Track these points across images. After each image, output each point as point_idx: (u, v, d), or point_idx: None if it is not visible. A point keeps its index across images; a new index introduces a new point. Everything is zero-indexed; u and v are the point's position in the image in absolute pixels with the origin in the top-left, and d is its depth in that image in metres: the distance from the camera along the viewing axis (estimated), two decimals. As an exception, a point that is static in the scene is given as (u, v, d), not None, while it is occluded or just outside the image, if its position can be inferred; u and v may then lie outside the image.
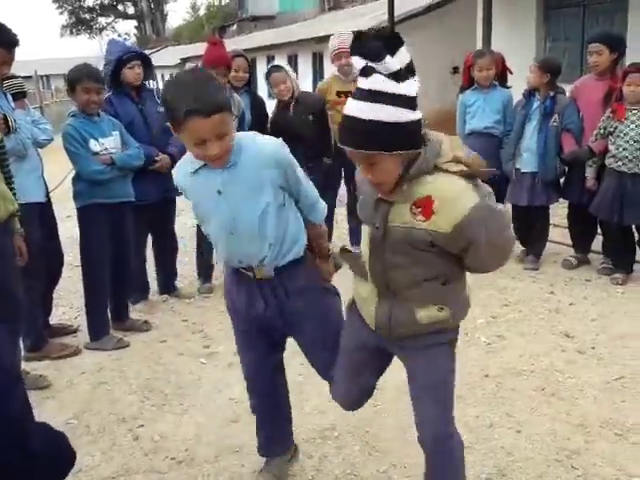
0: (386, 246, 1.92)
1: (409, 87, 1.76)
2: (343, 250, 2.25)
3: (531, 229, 5.22)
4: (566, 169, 5.00)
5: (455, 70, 13.63)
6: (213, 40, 4.79)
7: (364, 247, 2.03)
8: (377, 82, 1.72)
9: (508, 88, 5.39)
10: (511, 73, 5.42)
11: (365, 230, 2.03)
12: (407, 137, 1.74)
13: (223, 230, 2.21)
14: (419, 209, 1.82)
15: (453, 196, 1.79)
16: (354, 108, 1.75)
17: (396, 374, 3.50)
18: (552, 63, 5.00)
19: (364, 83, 1.75)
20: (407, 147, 1.76)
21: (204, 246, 4.92)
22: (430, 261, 1.90)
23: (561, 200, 5.16)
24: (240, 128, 4.78)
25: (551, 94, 4.91)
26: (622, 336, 3.81)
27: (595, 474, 2.61)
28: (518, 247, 5.39)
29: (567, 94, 5.06)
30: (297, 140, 4.96)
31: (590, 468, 2.65)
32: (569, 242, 5.26)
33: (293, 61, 18.17)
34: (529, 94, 5.06)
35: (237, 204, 2.15)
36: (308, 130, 5.03)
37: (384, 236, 1.91)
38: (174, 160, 4.41)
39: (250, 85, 5.17)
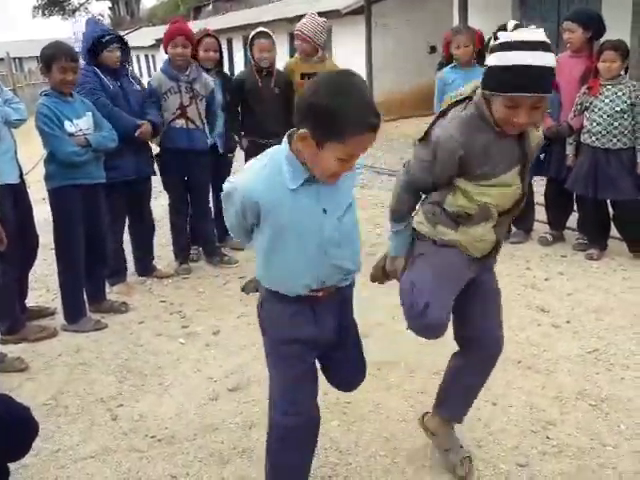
0: (527, 171, 2.24)
1: None
2: None
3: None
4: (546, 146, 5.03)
5: (432, 50, 13.63)
6: (174, 20, 4.88)
7: (507, 192, 2.23)
8: (543, 34, 1.98)
9: (486, 66, 5.39)
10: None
11: (504, 179, 2.20)
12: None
13: (320, 250, 1.95)
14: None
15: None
16: (539, 58, 1.93)
17: (370, 349, 3.54)
18: None
19: (538, 35, 1.97)
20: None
21: (179, 227, 4.90)
22: None
23: (536, 177, 5.19)
24: (209, 110, 4.76)
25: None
26: (596, 310, 3.87)
27: (570, 444, 2.66)
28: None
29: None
30: (261, 110, 4.99)
31: (565, 438, 2.70)
32: (544, 219, 5.31)
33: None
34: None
35: (339, 220, 2.00)
36: (273, 103, 5.01)
37: (524, 167, 2.21)
38: (155, 127, 4.40)
39: (221, 65, 5.12)
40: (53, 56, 3.72)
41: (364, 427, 2.85)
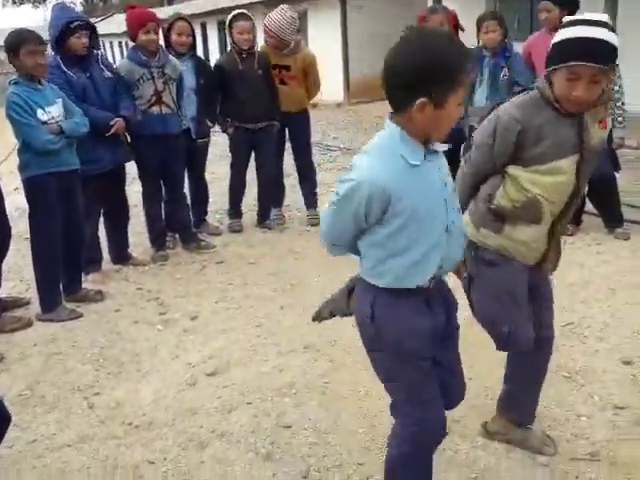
0: (585, 164, 2.21)
1: None
2: None
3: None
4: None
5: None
6: (129, 6, 4.80)
7: (559, 181, 2.18)
8: (607, 17, 2.13)
9: None
10: (462, 30, 5.41)
11: (558, 165, 2.16)
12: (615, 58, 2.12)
13: (443, 229, 1.85)
14: (601, 124, 2.22)
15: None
16: (600, 33, 2.04)
17: (347, 331, 3.56)
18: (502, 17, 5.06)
19: (603, 17, 2.12)
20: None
21: (155, 213, 4.86)
22: None
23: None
24: (179, 93, 4.71)
25: (502, 49, 4.94)
26: (571, 284, 3.91)
27: (546, 416, 2.69)
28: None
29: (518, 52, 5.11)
30: (244, 94, 4.96)
31: (541, 410, 2.72)
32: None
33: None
34: (478, 51, 5.08)
35: (452, 193, 1.91)
36: (257, 85, 5.00)
37: (584, 155, 2.19)
38: (128, 122, 4.35)
39: (195, 49, 5.07)
40: (19, 41, 3.64)
41: (343, 406, 2.86)
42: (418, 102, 1.68)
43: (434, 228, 1.82)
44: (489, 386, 2.92)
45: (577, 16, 2.14)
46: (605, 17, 2.11)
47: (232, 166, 5.45)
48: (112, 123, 4.27)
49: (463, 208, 2.25)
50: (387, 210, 1.77)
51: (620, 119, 4.54)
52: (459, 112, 1.78)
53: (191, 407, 2.93)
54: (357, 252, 1.94)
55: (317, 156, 8.16)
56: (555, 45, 2.12)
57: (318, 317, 2.35)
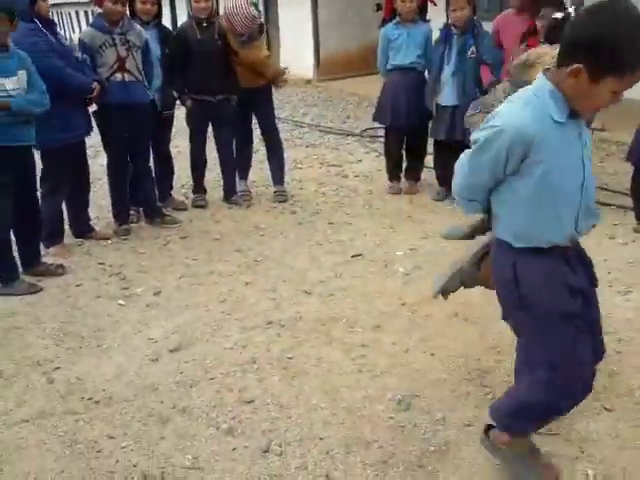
0: None
1: None
2: None
3: (453, 163, 5.30)
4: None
5: (378, 7, 13.47)
6: None
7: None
8: None
9: (428, 22, 5.37)
10: (435, 5, 5.38)
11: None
12: None
13: (580, 191, 1.89)
14: None
15: None
16: None
17: (312, 306, 3.57)
18: None
19: None
20: None
21: (119, 187, 4.78)
22: None
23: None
24: (145, 60, 4.61)
25: (470, 27, 4.94)
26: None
27: (503, 391, 2.72)
28: (435, 186, 5.50)
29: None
30: (202, 65, 4.87)
31: (499, 385, 2.77)
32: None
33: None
34: (447, 29, 5.06)
35: (589, 156, 1.94)
36: (216, 55, 4.95)
37: None
38: (103, 88, 4.31)
39: (160, 18, 4.95)
40: None
41: (305, 381, 2.87)
42: (575, 66, 1.72)
43: (571, 185, 1.87)
44: (449, 362, 2.96)
45: None
46: None
47: (191, 140, 5.38)
48: (93, 87, 4.21)
49: None
50: (527, 157, 1.81)
51: None
52: (611, 99, 1.78)
53: (152, 382, 2.91)
54: (490, 211, 1.99)
55: (286, 132, 8.11)
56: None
57: (445, 292, 2.40)
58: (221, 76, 5.00)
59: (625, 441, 2.39)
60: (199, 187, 5.45)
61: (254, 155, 5.79)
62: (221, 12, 5.18)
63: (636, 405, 2.60)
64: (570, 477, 2.24)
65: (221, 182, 5.58)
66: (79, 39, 4.49)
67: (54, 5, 20.57)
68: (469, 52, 4.93)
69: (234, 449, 2.45)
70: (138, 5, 4.70)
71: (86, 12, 28.71)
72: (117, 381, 2.94)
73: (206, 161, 5.44)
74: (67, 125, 4.11)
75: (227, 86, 5.07)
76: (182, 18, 19.54)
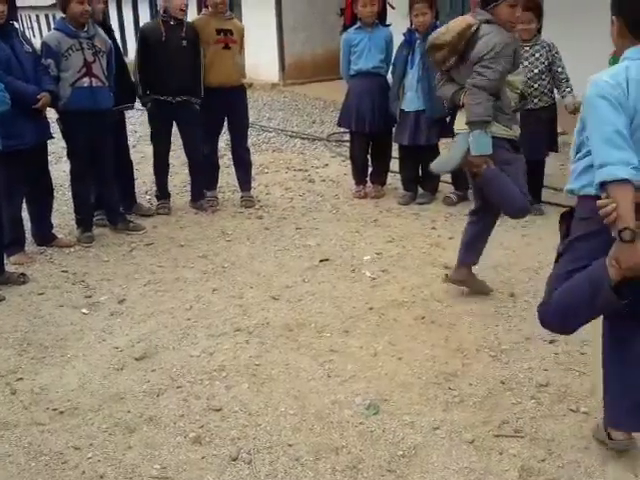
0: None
1: None
2: None
3: (418, 168, 5.37)
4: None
5: (342, 11, 13.54)
6: None
7: (521, 84, 3.62)
8: None
9: (388, 26, 5.41)
10: (393, 8, 5.42)
11: (518, 73, 3.44)
12: None
13: None
14: None
15: None
16: None
17: (279, 312, 3.57)
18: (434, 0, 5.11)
19: None
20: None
21: (83, 193, 4.70)
22: None
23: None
24: (109, 67, 4.56)
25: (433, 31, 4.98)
26: (496, 266, 4.02)
27: (471, 394, 2.77)
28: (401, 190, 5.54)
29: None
30: (166, 65, 4.85)
31: (466, 388, 2.80)
32: (449, 180, 5.44)
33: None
34: (410, 33, 5.11)
35: None
36: (180, 56, 4.92)
37: None
38: (54, 97, 4.22)
39: (104, 19, 4.90)
40: None
41: (274, 387, 2.86)
42: None
43: None
44: (416, 366, 2.98)
45: None
46: None
47: (152, 142, 5.33)
48: (39, 97, 4.11)
49: (489, 119, 3.21)
50: None
51: (568, 89, 4.70)
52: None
53: (118, 392, 2.86)
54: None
55: (252, 137, 8.09)
56: None
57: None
58: (183, 77, 4.96)
59: (590, 441, 2.43)
60: (163, 192, 5.38)
61: (220, 160, 5.76)
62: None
63: (600, 404, 2.65)
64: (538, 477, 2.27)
65: (187, 187, 5.54)
66: (43, 43, 4.39)
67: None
68: (432, 58, 4.97)
69: (202, 458, 2.43)
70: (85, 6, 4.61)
71: (47, 16, 28.25)
72: (82, 391, 2.89)
73: (168, 165, 5.39)
74: (10, 132, 3.94)
75: (190, 87, 5.03)
76: (144, 16, 19.41)
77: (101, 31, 4.54)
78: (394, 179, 5.84)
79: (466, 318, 3.42)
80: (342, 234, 4.73)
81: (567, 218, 2.26)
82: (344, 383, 2.87)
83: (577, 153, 2.20)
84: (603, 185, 1.95)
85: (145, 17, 18.85)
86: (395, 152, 5.59)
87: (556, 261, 2.30)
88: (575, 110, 4.59)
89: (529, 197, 3.57)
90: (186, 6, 4.93)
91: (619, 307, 2.09)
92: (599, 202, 1.96)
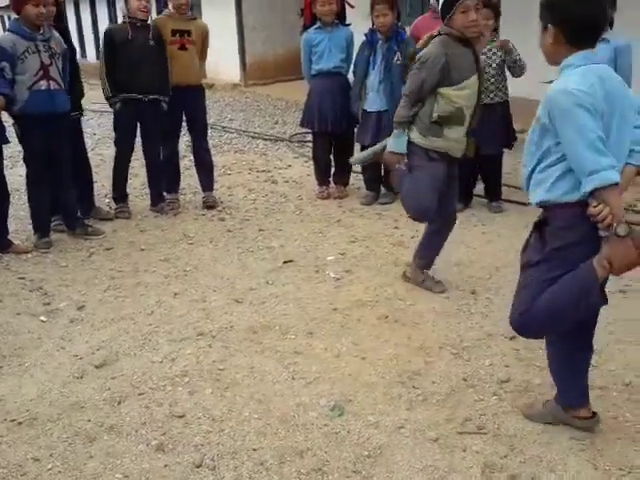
0: (481, 79, 3.45)
1: None
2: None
3: (380, 168, 5.40)
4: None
5: (303, 12, 13.53)
6: None
7: (468, 93, 3.37)
8: None
9: (348, 26, 5.42)
10: (352, 7, 5.43)
11: (465, 83, 3.35)
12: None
13: None
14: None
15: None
16: None
17: (243, 315, 3.54)
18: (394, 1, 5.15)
19: None
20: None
21: (40, 198, 4.60)
22: None
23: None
24: (64, 68, 4.48)
25: (394, 33, 5.02)
26: (458, 264, 4.06)
27: (434, 392, 2.78)
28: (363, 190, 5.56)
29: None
30: (132, 64, 4.81)
31: (429, 386, 2.82)
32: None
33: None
34: (372, 34, 5.12)
35: None
36: (147, 56, 4.91)
37: (480, 77, 3.41)
38: (9, 101, 4.15)
39: (60, 21, 4.80)
40: None
41: (237, 392, 2.83)
42: None
43: None
44: (380, 365, 2.99)
45: None
46: None
47: (116, 143, 5.26)
48: None
49: (407, 122, 3.44)
50: None
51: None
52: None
53: (78, 400, 2.81)
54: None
55: (214, 138, 8.04)
56: (444, 2, 3.24)
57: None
58: (151, 76, 4.94)
59: (552, 436, 2.47)
60: (121, 195, 5.31)
61: (180, 161, 5.69)
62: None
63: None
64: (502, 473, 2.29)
65: (147, 189, 5.46)
66: None
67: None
68: (394, 59, 5.01)
69: (165, 466, 2.39)
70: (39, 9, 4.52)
71: (1, 17, 27.60)
72: (41, 400, 2.82)
73: (128, 167, 5.34)
74: None
75: (158, 87, 5.01)
76: (102, 17, 19.14)
77: (56, 33, 4.45)
78: (357, 179, 5.86)
79: (429, 316, 3.44)
80: (306, 235, 4.72)
81: (541, 227, 2.25)
82: (309, 385, 2.86)
83: (539, 161, 2.19)
84: (594, 190, 2.01)
85: (103, 18, 18.61)
86: (357, 152, 5.59)
87: (527, 267, 2.30)
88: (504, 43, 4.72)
89: (457, 206, 3.86)
90: (146, 7, 4.88)
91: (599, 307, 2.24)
92: (595, 209, 2.02)
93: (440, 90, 3.33)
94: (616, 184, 2.01)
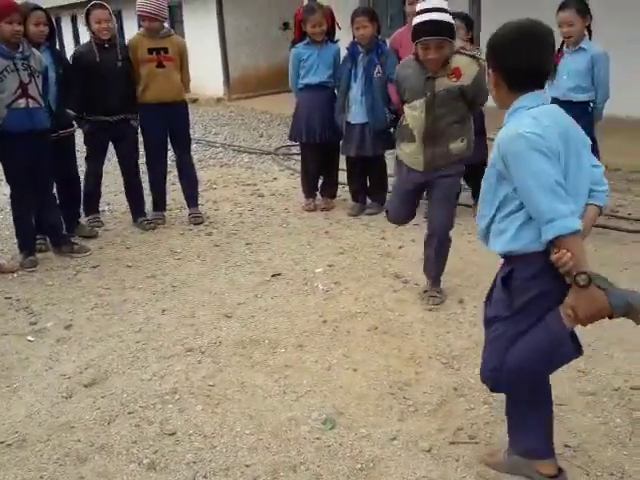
0: (435, 105, 3.43)
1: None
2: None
3: (366, 179, 5.44)
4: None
5: (285, 26, 13.61)
6: None
7: (416, 115, 3.49)
8: (441, 3, 3.35)
9: (336, 42, 5.46)
10: (339, 28, 5.48)
11: (414, 104, 3.50)
12: (454, 32, 3.40)
13: None
14: (452, 75, 3.42)
15: (469, 64, 3.45)
16: (435, 16, 3.29)
17: (232, 330, 3.54)
18: (375, 12, 5.21)
19: (437, 3, 3.33)
20: (453, 37, 3.40)
21: (23, 217, 4.57)
22: (457, 108, 3.45)
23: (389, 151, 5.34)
24: (45, 87, 4.46)
25: (375, 45, 5.06)
26: (445, 272, 4.06)
27: (425, 402, 2.79)
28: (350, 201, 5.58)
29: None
30: (101, 86, 4.84)
31: (420, 397, 2.82)
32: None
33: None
34: (353, 46, 5.16)
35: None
36: (115, 77, 4.96)
37: (434, 98, 3.42)
38: None
39: (51, 40, 4.81)
40: None
41: (228, 408, 2.82)
42: None
43: None
44: (371, 377, 2.99)
45: (424, 4, 3.35)
46: (443, 4, 3.33)
47: (87, 161, 5.31)
48: None
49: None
50: None
51: None
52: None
53: (68, 421, 2.78)
54: None
55: (199, 153, 8.04)
56: (413, 27, 3.38)
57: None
58: (120, 97, 5.00)
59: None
60: (91, 208, 5.41)
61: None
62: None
63: (556, 407, 2.70)
64: (492, 482, 2.29)
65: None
66: None
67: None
68: (375, 71, 5.05)
69: (158, 484, 2.37)
70: (31, 27, 4.53)
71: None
72: (30, 421, 2.79)
73: (100, 182, 5.42)
74: None
75: (126, 107, 5.06)
76: (68, 43, 19.08)
77: (36, 51, 4.43)
78: (343, 191, 5.87)
79: (418, 326, 3.45)
80: (293, 247, 4.72)
81: (506, 280, 2.11)
82: (300, 399, 2.85)
83: (498, 209, 2.07)
84: (554, 239, 1.90)
85: (69, 45, 18.50)
86: (343, 164, 5.63)
87: (495, 321, 2.17)
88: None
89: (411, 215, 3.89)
90: (107, 28, 4.90)
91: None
92: (557, 256, 1.90)
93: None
94: (577, 231, 1.88)
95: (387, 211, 3.96)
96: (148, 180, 5.46)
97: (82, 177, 5.28)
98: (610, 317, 1.98)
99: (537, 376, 2.16)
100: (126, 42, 5.23)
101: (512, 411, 2.29)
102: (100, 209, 5.59)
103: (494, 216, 2.09)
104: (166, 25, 5.30)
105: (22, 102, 4.28)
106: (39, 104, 4.37)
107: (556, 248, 1.91)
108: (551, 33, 2.00)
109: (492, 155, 2.04)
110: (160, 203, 5.49)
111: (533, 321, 2.06)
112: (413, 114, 3.50)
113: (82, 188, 5.25)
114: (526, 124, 1.92)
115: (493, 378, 2.19)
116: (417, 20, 3.34)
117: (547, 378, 2.22)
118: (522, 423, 2.27)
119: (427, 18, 3.29)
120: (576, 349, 2.10)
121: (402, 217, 3.89)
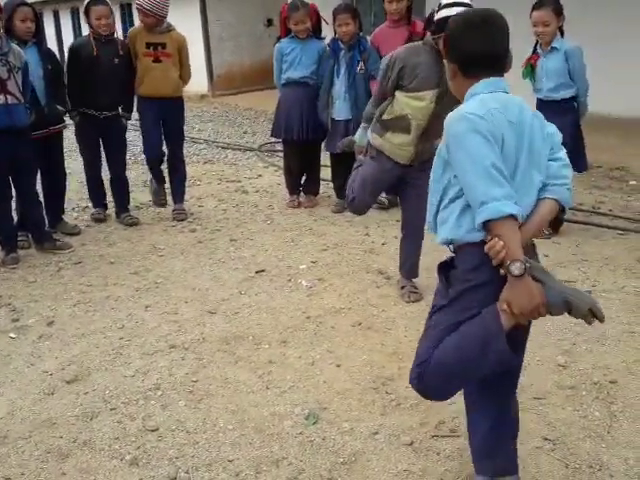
0: (446, 97, 3.04)
1: None
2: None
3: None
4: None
5: (269, 22, 13.58)
6: None
7: (422, 105, 3.32)
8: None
9: (322, 39, 5.46)
10: (327, 23, 5.48)
11: (423, 94, 3.30)
12: None
13: None
14: None
15: None
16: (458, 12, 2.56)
17: (216, 326, 3.54)
18: (357, 10, 5.21)
19: None
20: None
21: (4, 213, 4.52)
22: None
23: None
24: (25, 83, 4.42)
25: (357, 43, 5.07)
26: (427, 268, 4.07)
27: (407, 396, 2.80)
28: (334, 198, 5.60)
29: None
30: (97, 81, 4.81)
31: (402, 392, 2.84)
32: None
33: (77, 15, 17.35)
34: (335, 42, 5.17)
35: None
36: (112, 73, 4.93)
37: (447, 90, 2.43)
38: None
39: (38, 36, 4.76)
40: None
41: (212, 403, 2.82)
42: None
43: None
44: (354, 372, 3.01)
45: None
46: None
47: (82, 155, 5.31)
48: None
49: (368, 117, 3.61)
50: None
51: None
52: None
53: (49, 417, 2.77)
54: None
55: (184, 149, 7.98)
56: (438, 20, 3.08)
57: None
58: (113, 92, 4.96)
59: (523, 437, 2.49)
60: (99, 204, 5.42)
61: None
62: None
63: (536, 400, 2.74)
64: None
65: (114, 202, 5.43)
66: None
67: None
68: (357, 68, 5.06)
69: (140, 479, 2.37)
70: (17, 23, 4.49)
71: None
72: (11, 418, 2.78)
73: (101, 178, 5.37)
74: None
75: (118, 104, 5.04)
76: (67, 37, 18.95)
77: (15, 46, 4.38)
78: (327, 187, 5.88)
79: (401, 321, 3.47)
80: (277, 244, 4.72)
81: (445, 269, 2.01)
82: (283, 394, 2.86)
83: (442, 197, 1.97)
84: (486, 223, 1.79)
85: (68, 39, 18.38)
86: (326, 161, 5.63)
87: (432, 313, 2.04)
88: None
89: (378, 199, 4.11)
90: (107, 24, 4.86)
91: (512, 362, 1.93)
92: (489, 245, 1.80)
93: (396, 92, 3.39)
94: (510, 216, 1.77)
95: (352, 199, 3.67)
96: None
97: (68, 173, 5.26)
98: (551, 314, 1.87)
99: (466, 375, 1.99)
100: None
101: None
102: (84, 205, 5.56)
103: (439, 205, 1.99)
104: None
105: (1, 98, 4.24)
106: (18, 100, 4.33)
107: (489, 235, 1.81)
108: (502, 17, 1.93)
109: (440, 143, 1.98)
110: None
111: (470, 314, 1.91)
112: (418, 104, 3.32)
113: (85, 182, 5.34)
114: (470, 106, 1.87)
115: (418, 375, 2.00)
116: (440, 15, 3.09)
117: (496, 380, 2.05)
118: (469, 420, 2.22)
119: (449, 13, 3.00)
120: (513, 352, 1.88)
121: (367, 207, 3.82)
